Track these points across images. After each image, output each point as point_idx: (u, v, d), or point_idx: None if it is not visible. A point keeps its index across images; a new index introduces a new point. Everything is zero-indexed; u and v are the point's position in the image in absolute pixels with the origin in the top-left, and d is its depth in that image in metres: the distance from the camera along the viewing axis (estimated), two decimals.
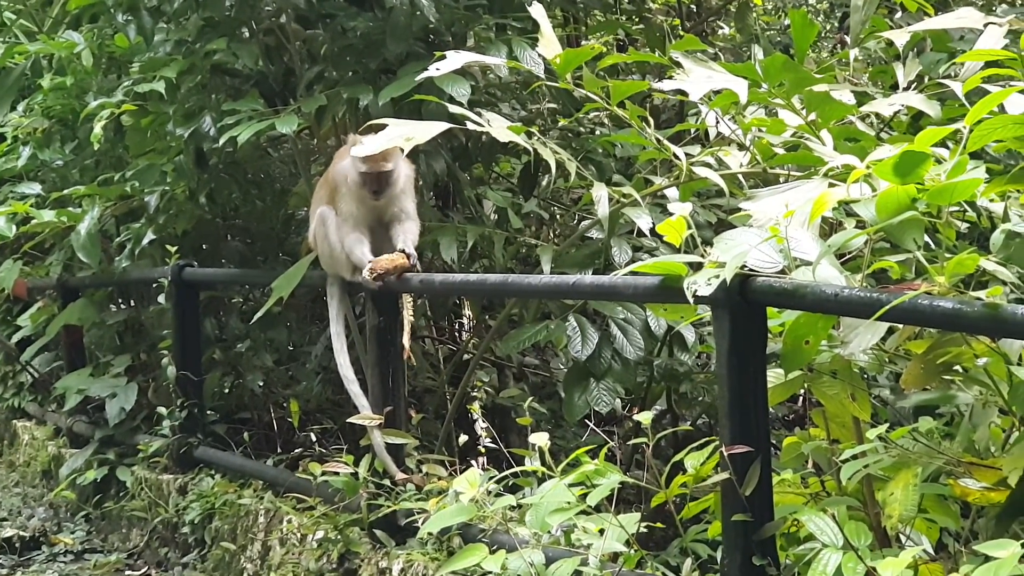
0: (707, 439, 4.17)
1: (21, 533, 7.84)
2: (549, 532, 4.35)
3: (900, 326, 3.67)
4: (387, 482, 5.38)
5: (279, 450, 7.14)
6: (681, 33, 7.37)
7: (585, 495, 4.08)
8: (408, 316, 5.45)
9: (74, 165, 8.45)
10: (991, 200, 3.91)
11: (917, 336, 3.76)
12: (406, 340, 5.41)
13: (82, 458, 8.13)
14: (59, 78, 8.19)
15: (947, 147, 3.85)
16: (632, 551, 4.10)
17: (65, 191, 7.85)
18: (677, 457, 4.15)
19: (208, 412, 7.45)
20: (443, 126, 4.58)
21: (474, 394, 6.99)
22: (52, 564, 7.51)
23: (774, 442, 4.61)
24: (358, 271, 5.49)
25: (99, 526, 8.09)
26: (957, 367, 3.68)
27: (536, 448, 4.31)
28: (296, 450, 6.86)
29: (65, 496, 8.21)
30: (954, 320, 3.08)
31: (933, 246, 3.84)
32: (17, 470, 9.81)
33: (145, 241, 7.45)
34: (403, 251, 5.41)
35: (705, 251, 3.77)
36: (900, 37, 4.91)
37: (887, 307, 3.09)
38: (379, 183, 5.43)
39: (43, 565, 7.49)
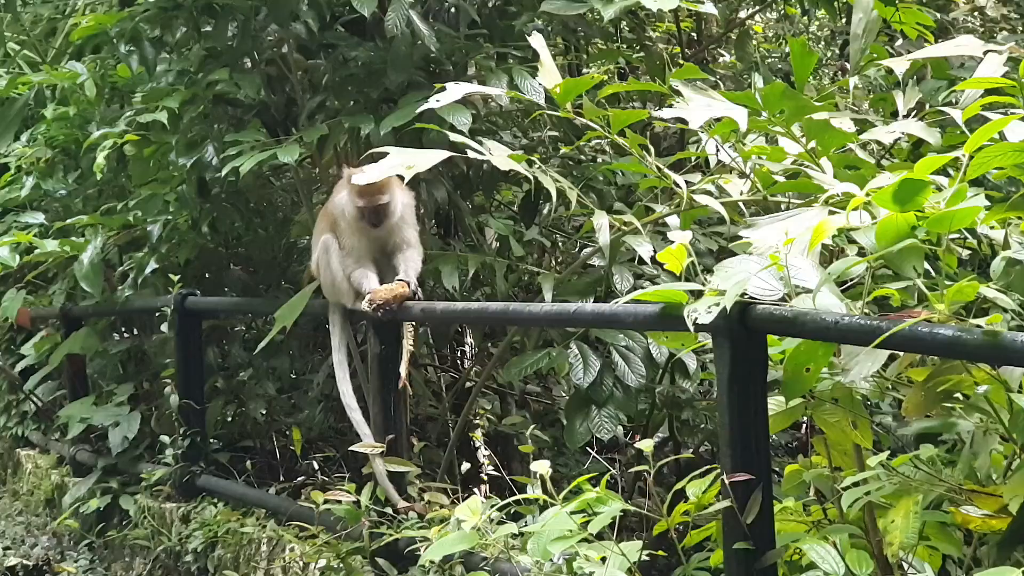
0: (709, 467, 4.16)
1: (24, 562, 7.85)
2: (551, 560, 4.34)
3: (901, 354, 3.68)
4: (389, 510, 5.37)
5: (282, 478, 7.14)
6: (681, 61, 7.40)
7: (587, 523, 4.07)
8: (408, 345, 5.46)
9: (77, 195, 8.47)
10: (991, 227, 3.92)
11: (918, 364, 3.77)
12: (403, 369, 5.42)
13: (85, 487, 8.12)
14: (62, 108, 8.23)
15: (947, 175, 3.86)
16: None
17: (68, 221, 7.87)
18: (679, 485, 4.14)
19: (211, 440, 7.45)
20: (444, 154, 4.59)
21: (476, 422, 6.99)
22: None
23: (776, 469, 4.61)
24: (359, 299, 5.51)
25: (102, 555, 8.07)
26: (958, 395, 3.68)
27: (538, 476, 4.30)
28: (299, 478, 6.86)
29: (68, 525, 8.19)
30: (954, 348, 3.08)
31: (933, 273, 3.85)
32: (20, 499, 9.79)
33: (148, 270, 7.47)
34: (403, 280, 5.43)
35: (706, 279, 3.77)
36: (900, 65, 4.93)
37: (887, 334, 3.09)
38: (376, 216, 5.46)
39: None
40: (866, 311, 3.56)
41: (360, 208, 5.43)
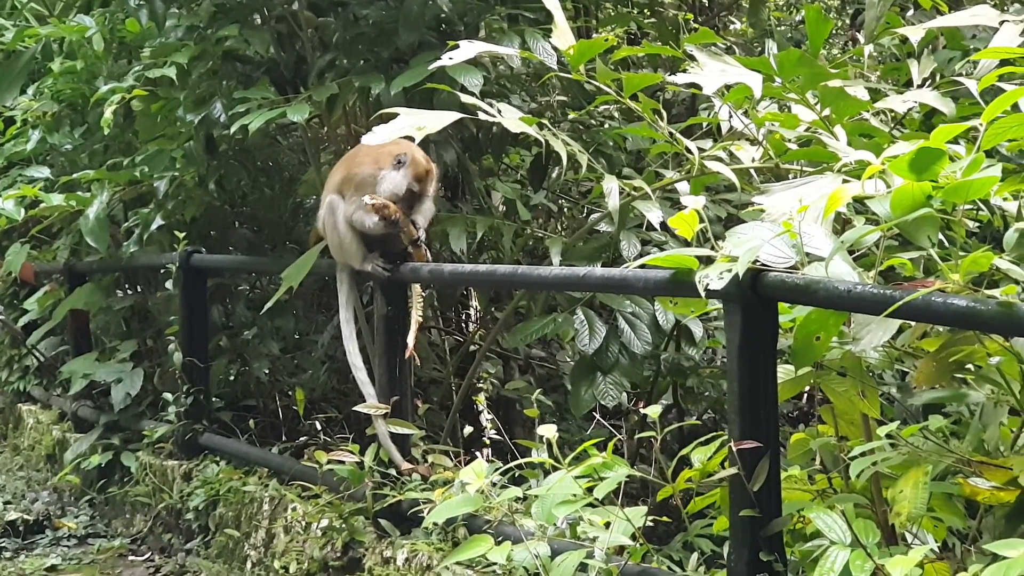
0: (714, 434, 4.16)
1: (25, 516, 7.87)
2: (555, 524, 4.35)
3: (912, 324, 3.66)
4: (392, 471, 5.37)
5: (284, 438, 7.14)
6: (695, 26, 7.35)
7: (592, 488, 4.07)
8: (417, 314, 5.44)
9: (83, 149, 8.44)
10: (1004, 199, 3.91)
11: (927, 334, 3.75)
12: (411, 339, 5.40)
13: (87, 443, 8.13)
14: (69, 62, 8.19)
15: (959, 145, 3.83)
16: (638, 545, 4.10)
17: (74, 175, 7.85)
18: (684, 451, 4.14)
19: (214, 399, 7.46)
20: (455, 116, 4.56)
21: (480, 385, 6.98)
22: (55, 548, 7.53)
23: (780, 439, 4.60)
24: (367, 259, 5.48)
25: (103, 511, 8.09)
26: (969, 366, 3.67)
27: (544, 440, 4.29)
28: (301, 438, 6.86)
29: (69, 480, 8.21)
30: (968, 318, 3.07)
31: (946, 244, 3.83)
32: (21, 454, 9.82)
33: (153, 227, 7.45)
34: (413, 221, 5.38)
35: (717, 245, 3.75)
36: (915, 34, 4.89)
37: (899, 303, 3.07)
38: (419, 200, 5.45)
39: (47, 549, 7.51)
40: (878, 280, 3.54)
41: (410, 190, 5.40)
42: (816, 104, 4.57)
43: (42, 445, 9.39)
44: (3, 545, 7.54)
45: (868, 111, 4.76)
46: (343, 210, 5.51)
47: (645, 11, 7.77)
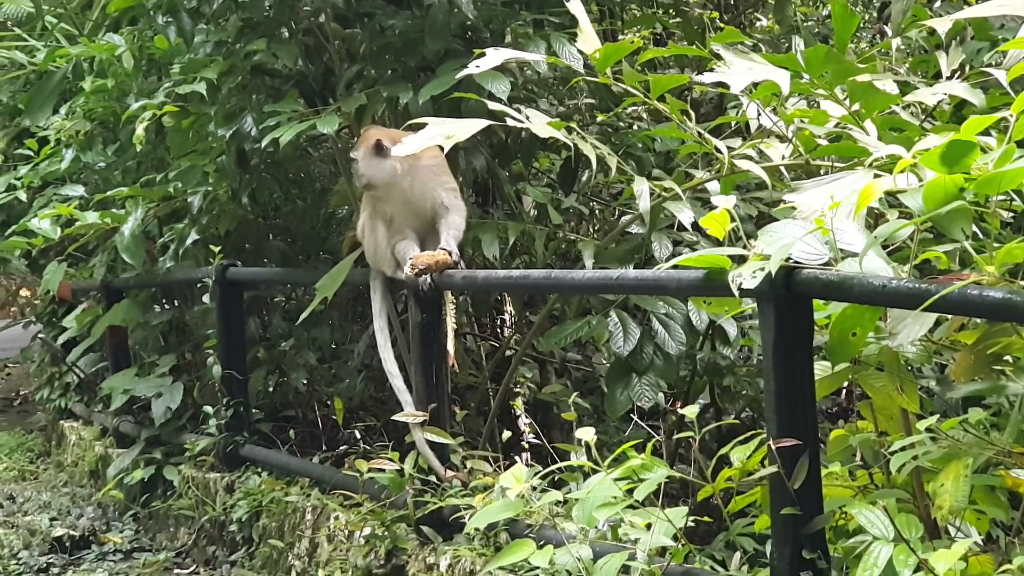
0: (752, 433, 4.15)
1: (71, 532, 7.94)
2: (596, 527, 4.35)
3: (948, 317, 3.65)
4: (433, 478, 5.39)
5: (324, 448, 7.18)
6: (721, 25, 7.34)
7: (632, 490, 4.08)
8: (451, 320, 5.47)
9: (116, 167, 8.51)
10: None
11: (964, 327, 3.74)
12: (450, 346, 5.43)
13: (129, 458, 8.20)
14: (100, 81, 8.25)
15: (990, 136, 3.82)
16: (680, 545, 4.10)
17: (108, 193, 7.91)
18: (723, 451, 4.14)
19: (253, 410, 7.50)
20: (483, 123, 4.58)
21: (516, 390, 6.99)
22: (102, 563, 7.59)
23: (819, 436, 4.59)
24: (400, 268, 5.52)
25: (147, 525, 8.15)
26: (1007, 358, 3.65)
27: (583, 443, 4.30)
28: (341, 447, 6.90)
29: (113, 496, 8.28)
30: (1004, 310, 3.05)
31: (980, 236, 3.82)
32: (65, 470, 9.90)
33: (188, 241, 7.51)
34: (445, 249, 5.42)
35: (749, 244, 3.75)
36: (942, 25, 4.87)
37: (936, 297, 3.07)
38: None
39: (93, 564, 7.57)
40: (912, 274, 3.54)
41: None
42: (845, 99, 4.56)
43: (85, 461, 9.47)
44: (51, 561, 7.61)
45: (898, 105, 4.74)
46: (384, 232, 5.57)
47: (670, 11, 7.76)
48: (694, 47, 4.99)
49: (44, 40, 9.33)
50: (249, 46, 6.43)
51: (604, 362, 7.62)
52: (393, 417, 5.61)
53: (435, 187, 5.57)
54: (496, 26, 6.33)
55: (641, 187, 4.95)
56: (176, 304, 8.64)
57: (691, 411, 4.14)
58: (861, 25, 9.80)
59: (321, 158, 7.75)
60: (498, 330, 7.74)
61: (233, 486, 7.17)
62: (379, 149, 5.48)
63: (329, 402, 7.18)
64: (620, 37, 7.71)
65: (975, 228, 3.56)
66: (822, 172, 4.52)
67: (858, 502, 3.65)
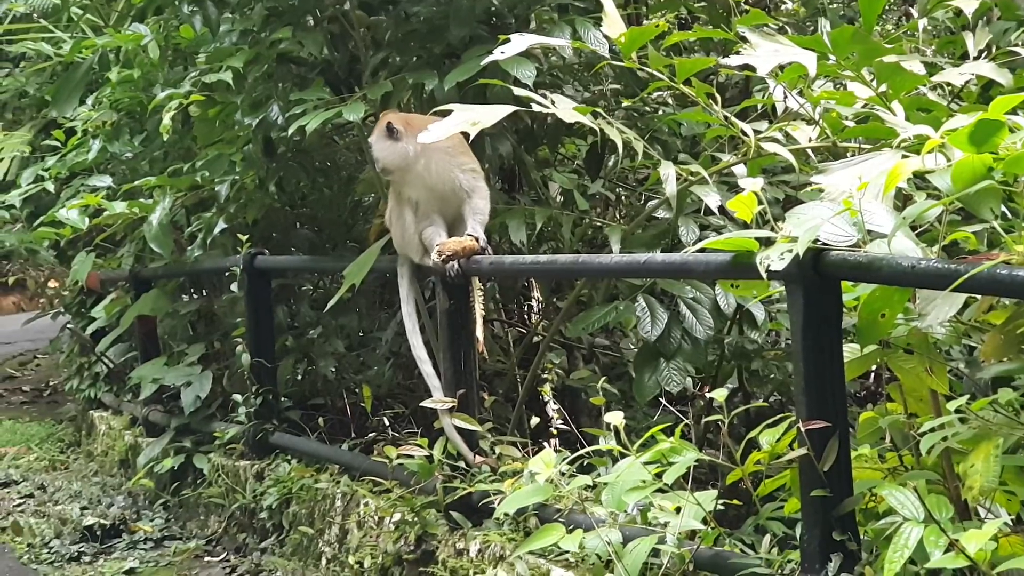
0: (781, 416, 4.15)
1: (102, 521, 7.97)
2: (625, 511, 4.35)
3: (978, 297, 3.64)
4: (461, 464, 5.41)
5: (353, 435, 7.19)
6: (746, 8, 7.31)
7: (660, 474, 4.08)
8: (479, 307, 5.47)
9: (143, 157, 8.55)
10: None
11: (993, 307, 3.73)
12: (479, 332, 5.44)
13: (159, 447, 8.24)
14: (126, 71, 8.29)
15: (1018, 116, 3.80)
16: (709, 529, 4.10)
17: (136, 182, 7.94)
18: (752, 434, 4.14)
19: (282, 398, 7.53)
20: (509, 109, 4.57)
21: (544, 376, 6.99)
22: (132, 551, 7.63)
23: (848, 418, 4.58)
24: (427, 254, 5.53)
25: (177, 513, 8.20)
26: None
27: (611, 428, 4.31)
28: (370, 434, 6.91)
29: (143, 484, 8.32)
30: None
31: (1009, 216, 3.80)
32: (95, 460, 9.96)
33: (216, 230, 7.54)
34: (472, 235, 5.43)
35: (776, 226, 3.75)
36: (968, 5, 4.85)
37: (965, 277, 3.06)
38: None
39: (124, 552, 7.62)
40: (941, 255, 3.52)
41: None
42: (872, 80, 4.55)
43: (115, 450, 9.53)
44: (83, 550, 7.66)
45: (925, 85, 4.72)
46: (412, 219, 5.58)
47: None
48: (720, 30, 4.97)
49: (70, 31, 9.39)
50: (274, 34, 6.45)
51: (632, 347, 7.61)
52: (422, 403, 5.62)
53: (452, 168, 5.53)
54: (521, 11, 6.33)
55: (668, 171, 4.95)
56: (204, 293, 8.68)
57: (719, 394, 4.13)
58: (887, 6, 9.75)
59: (347, 146, 7.76)
60: (526, 316, 7.74)
61: (263, 473, 7.20)
62: (391, 132, 5.48)
63: (357, 390, 7.20)
64: (645, 21, 7.69)
65: (1004, 208, 3.55)
66: (849, 154, 4.51)
67: (888, 483, 3.65)
